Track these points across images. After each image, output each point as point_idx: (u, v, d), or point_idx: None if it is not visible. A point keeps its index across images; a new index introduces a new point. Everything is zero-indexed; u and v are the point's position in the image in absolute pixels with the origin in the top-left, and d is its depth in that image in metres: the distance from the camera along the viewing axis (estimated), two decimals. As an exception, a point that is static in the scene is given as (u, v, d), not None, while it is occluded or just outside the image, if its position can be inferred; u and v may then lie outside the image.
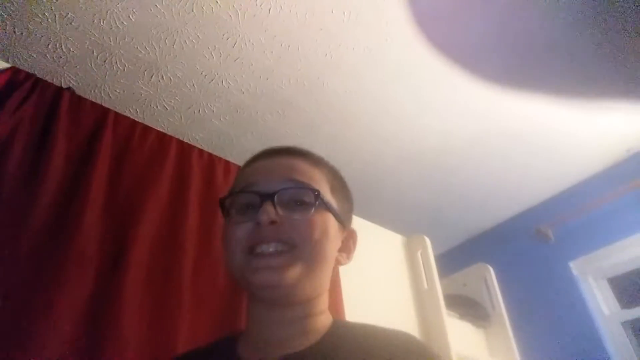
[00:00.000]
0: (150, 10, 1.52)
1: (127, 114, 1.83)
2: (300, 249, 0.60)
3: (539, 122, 2.11)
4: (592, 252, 2.33)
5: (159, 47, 1.64)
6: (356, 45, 1.70)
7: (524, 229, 2.64)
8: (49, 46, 1.60)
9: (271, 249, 0.59)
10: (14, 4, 1.46)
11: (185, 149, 1.31)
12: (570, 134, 2.19)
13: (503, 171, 2.40)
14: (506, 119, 2.08)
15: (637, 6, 1.58)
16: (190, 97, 1.84)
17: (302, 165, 0.67)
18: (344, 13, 1.59)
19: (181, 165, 1.26)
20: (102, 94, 1.79)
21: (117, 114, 1.22)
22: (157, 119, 1.91)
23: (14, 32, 1.54)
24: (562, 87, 1.94)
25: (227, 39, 1.64)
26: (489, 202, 2.63)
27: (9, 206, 0.93)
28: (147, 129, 1.26)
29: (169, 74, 1.74)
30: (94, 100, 1.71)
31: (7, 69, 1.10)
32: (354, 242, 0.72)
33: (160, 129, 1.82)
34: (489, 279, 2.07)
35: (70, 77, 1.71)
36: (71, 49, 1.62)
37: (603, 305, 2.28)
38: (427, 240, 1.83)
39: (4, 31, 1.54)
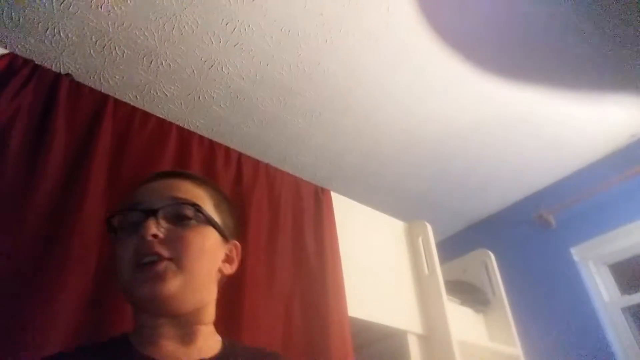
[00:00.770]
0: (149, -5, 1.50)
1: (126, 100, 1.82)
2: (180, 261, 0.63)
3: (541, 107, 2.09)
4: (593, 238, 2.33)
5: (158, 32, 1.63)
6: (356, 31, 1.68)
7: (525, 214, 2.63)
8: (47, 32, 1.59)
9: (154, 260, 0.62)
10: (11, -11, 1.44)
11: (185, 136, 1.30)
12: (573, 119, 2.18)
13: (504, 157, 2.39)
14: (507, 105, 2.06)
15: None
16: (190, 83, 1.83)
17: (185, 184, 0.71)
18: (344, -3, 1.57)
19: (181, 151, 1.26)
20: (101, 80, 1.78)
21: (116, 100, 1.21)
22: (157, 105, 1.91)
23: (12, 18, 1.53)
24: (564, 73, 1.92)
25: (227, 24, 1.62)
26: (490, 188, 2.62)
27: (9, 193, 0.93)
28: (147, 115, 1.25)
29: (168, 60, 1.73)
30: (93, 86, 1.71)
31: (5, 55, 1.09)
32: (238, 254, 0.76)
33: (160, 115, 1.82)
34: (489, 265, 2.07)
35: (69, 63, 1.70)
36: (69, 35, 1.61)
37: (603, 291, 2.29)
38: (428, 226, 1.83)
39: (1, 17, 1.52)
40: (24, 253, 0.89)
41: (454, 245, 2.76)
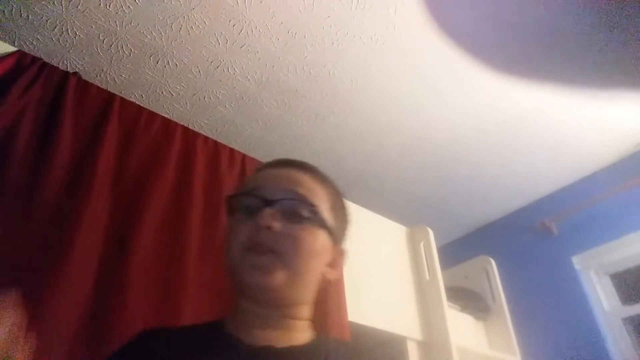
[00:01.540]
0: (157, -6, 1.51)
1: (132, 99, 1.83)
2: (287, 257, 0.64)
3: (546, 114, 2.09)
4: (595, 247, 2.32)
5: (165, 32, 1.63)
6: (363, 34, 1.68)
7: (527, 222, 2.63)
8: (55, 30, 1.60)
9: (264, 250, 0.63)
10: (21, -14, 1.45)
11: (190, 136, 1.31)
12: (578, 127, 2.17)
13: (508, 163, 2.39)
14: (512, 111, 2.06)
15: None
16: (196, 84, 1.84)
17: (307, 180, 0.71)
18: (351, 1, 1.57)
19: (186, 152, 1.26)
20: (108, 79, 1.78)
21: (123, 100, 1.22)
22: (163, 105, 1.91)
23: (20, 15, 1.54)
24: (571, 79, 1.92)
25: (234, 25, 1.63)
26: (493, 194, 2.62)
27: (17, 189, 0.93)
28: (152, 115, 1.26)
29: (174, 60, 1.74)
30: (99, 84, 1.72)
31: (13, 53, 1.10)
32: (344, 260, 0.76)
33: (166, 115, 1.82)
34: (490, 272, 2.07)
35: (76, 61, 1.71)
36: (77, 33, 1.61)
37: (604, 301, 2.28)
38: (430, 232, 1.83)
39: (10, 14, 1.53)
40: (32, 247, 0.90)
41: (456, 251, 2.75)
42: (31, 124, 1.00)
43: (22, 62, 1.09)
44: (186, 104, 1.93)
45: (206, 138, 1.35)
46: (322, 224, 0.69)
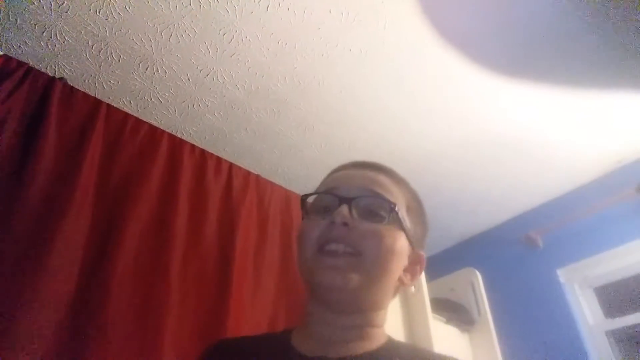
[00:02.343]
0: (147, 2, 1.51)
1: (120, 105, 1.83)
2: (365, 257, 0.60)
3: (533, 130, 2.12)
4: (580, 260, 2.35)
5: (155, 39, 1.63)
6: (353, 46, 1.70)
7: (513, 235, 2.65)
8: (44, 34, 1.59)
9: (339, 250, 0.60)
10: (9, -10, 1.44)
11: (176, 144, 1.31)
12: (563, 143, 2.21)
13: (495, 177, 2.41)
14: (500, 126, 2.09)
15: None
16: (185, 91, 1.84)
17: (383, 179, 0.69)
18: (341, 14, 1.58)
19: (172, 160, 1.26)
20: (96, 84, 1.77)
21: (109, 107, 1.21)
22: (151, 112, 1.90)
23: (9, 18, 1.53)
24: (557, 96, 1.95)
25: (224, 34, 1.63)
26: (479, 207, 2.64)
27: (-4, 196, 0.92)
28: (139, 123, 1.25)
29: (164, 67, 1.73)
30: (87, 90, 1.71)
31: (-1, 57, 1.09)
32: (421, 267, 0.72)
33: (154, 122, 1.82)
34: (476, 284, 2.08)
35: (64, 66, 1.70)
36: (66, 38, 1.61)
37: (588, 314, 2.30)
38: (416, 244, 1.83)
39: (-2, 17, 1.52)
40: (11, 254, 0.88)
41: (442, 262, 2.76)
42: (14, 130, 0.98)
43: (7, 66, 1.08)
44: (175, 111, 1.92)
45: (193, 146, 1.35)
46: (401, 225, 0.65)
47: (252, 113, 1.95)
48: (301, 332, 0.65)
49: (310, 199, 0.67)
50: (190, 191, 1.24)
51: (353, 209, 0.62)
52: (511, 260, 2.60)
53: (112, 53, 1.67)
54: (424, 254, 0.72)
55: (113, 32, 1.60)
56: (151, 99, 1.86)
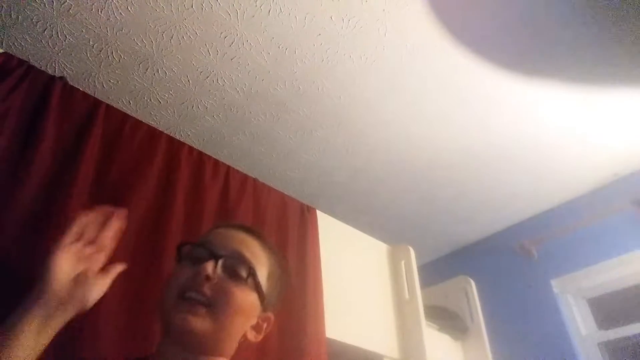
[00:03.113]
0: (149, 3, 1.52)
1: (119, 104, 1.83)
2: (217, 310, 0.70)
3: (530, 140, 2.13)
4: (574, 271, 2.36)
5: (156, 40, 1.64)
6: (353, 52, 1.71)
7: (508, 244, 2.66)
8: (45, 32, 1.59)
9: (197, 298, 0.69)
10: (12, -13, 1.45)
11: (175, 146, 1.30)
12: (559, 154, 2.22)
13: (491, 185, 2.42)
14: (497, 136, 2.10)
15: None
16: (185, 93, 1.84)
17: (253, 244, 0.79)
18: (342, 20, 1.59)
19: (170, 162, 1.26)
20: (96, 83, 1.78)
21: (108, 107, 1.21)
22: (150, 112, 1.91)
23: (10, 16, 1.53)
24: (554, 107, 1.96)
25: (225, 37, 1.64)
26: (475, 215, 2.65)
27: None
28: (137, 124, 1.25)
29: (164, 68, 1.74)
30: (86, 89, 1.71)
31: (-1, 54, 1.09)
32: (269, 326, 0.81)
33: (153, 122, 1.82)
34: (469, 292, 2.08)
35: (64, 64, 1.70)
36: (67, 37, 1.61)
37: (581, 325, 2.31)
38: (411, 251, 1.84)
39: (0, 15, 1.52)
40: (7, 254, 0.88)
41: (437, 270, 2.77)
42: (12, 128, 0.98)
43: (8, 64, 1.08)
44: (174, 112, 1.92)
45: (191, 148, 1.35)
46: (256, 288, 0.75)
47: (251, 116, 1.96)
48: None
49: (185, 248, 0.77)
50: (187, 193, 1.24)
51: (219, 266, 0.72)
52: (505, 270, 2.61)
53: (112, 53, 1.67)
54: (273, 316, 0.81)
55: (114, 32, 1.60)
56: (150, 100, 1.86)
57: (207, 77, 1.78)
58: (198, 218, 1.23)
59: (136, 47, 1.66)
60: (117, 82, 1.78)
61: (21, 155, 0.98)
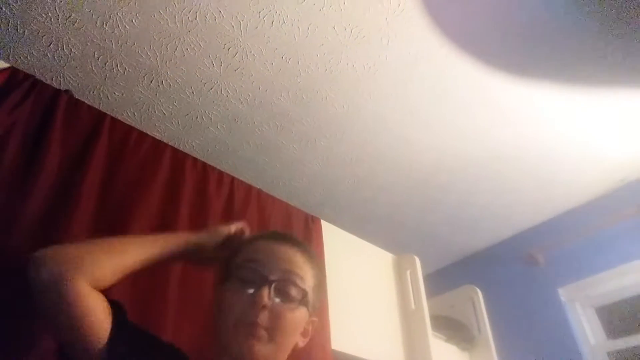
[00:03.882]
0: (154, 16, 1.53)
1: (124, 116, 1.84)
2: (275, 334, 0.74)
3: (535, 147, 2.12)
4: (581, 279, 2.33)
5: (160, 53, 1.65)
6: (356, 62, 1.71)
7: (514, 252, 2.64)
8: (51, 46, 1.61)
9: (258, 325, 0.72)
10: (18, 2, 1.46)
11: (179, 158, 1.31)
12: (566, 160, 2.21)
13: (497, 193, 2.41)
14: (502, 143, 2.09)
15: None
16: (189, 104, 1.85)
17: (299, 259, 0.81)
18: (345, 30, 1.60)
19: (174, 173, 1.26)
20: (101, 96, 1.79)
21: (113, 119, 1.21)
22: (155, 124, 1.92)
23: (17, 30, 1.55)
24: (559, 112, 1.96)
25: (229, 49, 1.65)
26: (481, 223, 2.63)
27: (0, 207, 0.92)
28: (142, 136, 1.25)
29: (168, 80, 1.75)
30: (91, 101, 1.73)
31: (6, 69, 1.10)
32: (313, 327, 0.85)
33: (157, 134, 1.83)
34: (476, 301, 2.07)
35: (69, 77, 1.71)
36: (72, 50, 1.63)
37: (589, 334, 2.28)
38: (417, 260, 1.83)
39: (6, 29, 1.54)
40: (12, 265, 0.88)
41: (443, 279, 2.75)
42: (18, 142, 0.99)
43: (15, 78, 1.08)
44: (178, 123, 1.93)
45: (195, 160, 1.35)
46: (306, 302, 0.79)
47: (255, 127, 1.96)
48: None
49: (233, 263, 0.80)
50: (192, 204, 1.24)
51: (272, 291, 0.74)
52: (512, 278, 2.59)
53: (117, 65, 1.68)
54: (315, 318, 0.85)
55: (119, 45, 1.62)
56: (155, 111, 1.87)
57: (211, 88, 1.79)
58: (203, 228, 1.22)
59: (141, 60, 1.67)
60: (122, 94, 1.79)
61: (27, 168, 0.99)
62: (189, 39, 1.61)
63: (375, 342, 1.56)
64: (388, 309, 1.70)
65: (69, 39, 1.59)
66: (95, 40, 1.60)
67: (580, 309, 2.36)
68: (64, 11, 1.50)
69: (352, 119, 1.95)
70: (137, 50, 1.64)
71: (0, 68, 1.10)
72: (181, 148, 1.46)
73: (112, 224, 1.05)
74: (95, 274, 0.70)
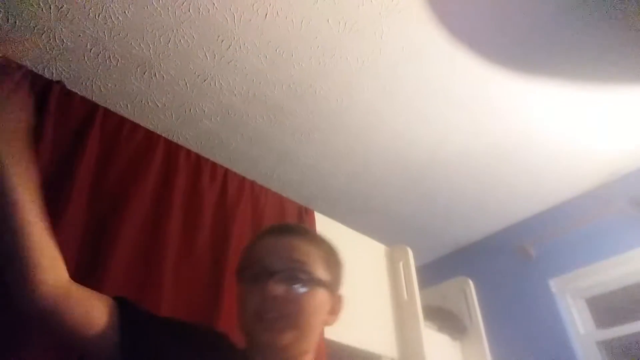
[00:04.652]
0: (147, 7, 1.52)
1: (117, 108, 1.83)
2: (294, 318, 0.76)
3: (527, 141, 2.14)
4: (572, 271, 2.37)
5: (153, 44, 1.64)
6: (350, 55, 1.72)
7: (506, 244, 2.67)
8: (43, 36, 1.59)
9: (273, 316, 0.75)
10: (9, -7, 1.45)
11: (172, 149, 1.31)
12: (557, 154, 2.23)
13: (489, 186, 2.43)
14: (494, 137, 2.11)
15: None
16: (182, 96, 1.85)
17: (300, 244, 0.82)
18: (339, 23, 1.60)
19: (167, 165, 1.26)
20: (94, 87, 1.78)
21: (106, 110, 1.21)
22: (147, 116, 1.91)
23: (8, 21, 1.54)
24: (552, 105, 1.97)
25: (222, 41, 1.64)
26: (473, 216, 2.65)
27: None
28: (135, 127, 1.26)
29: (161, 72, 1.74)
30: (84, 92, 1.71)
31: (-3, 59, 1.09)
32: (341, 306, 0.87)
33: (150, 126, 1.82)
34: (468, 293, 2.09)
35: (62, 68, 1.70)
36: (65, 41, 1.62)
37: (579, 324, 2.32)
38: (410, 252, 1.85)
39: (-3, 19, 1.53)
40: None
41: (436, 271, 2.78)
42: (11, 133, 0.99)
43: (6, 69, 1.08)
44: (171, 115, 1.93)
45: (188, 151, 1.36)
46: (319, 283, 0.80)
47: (249, 119, 1.96)
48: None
49: (244, 272, 0.82)
50: (185, 196, 1.25)
51: (279, 281, 0.76)
52: (504, 270, 2.62)
53: (110, 57, 1.68)
54: (341, 293, 0.87)
55: (112, 36, 1.61)
56: (148, 103, 1.87)
57: (205, 80, 1.78)
58: (196, 220, 1.23)
59: (134, 51, 1.66)
60: (115, 86, 1.78)
61: (19, 159, 0.98)
62: (183, 30, 1.60)
63: (368, 331, 1.58)
64: (381, 300, 1.72)
65: (62, 30, 1.58)
66: (87, 31, 1.59)
67: (571, 300, 2.39)
68: (56, 2, 1.49)
69: (346, 113, 1.96)
70: (130, 42, 1.63)
71: (-8, 59, 1.10)
72: (174, 140, 1.46)
73: (106, 214, 1.05)
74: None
